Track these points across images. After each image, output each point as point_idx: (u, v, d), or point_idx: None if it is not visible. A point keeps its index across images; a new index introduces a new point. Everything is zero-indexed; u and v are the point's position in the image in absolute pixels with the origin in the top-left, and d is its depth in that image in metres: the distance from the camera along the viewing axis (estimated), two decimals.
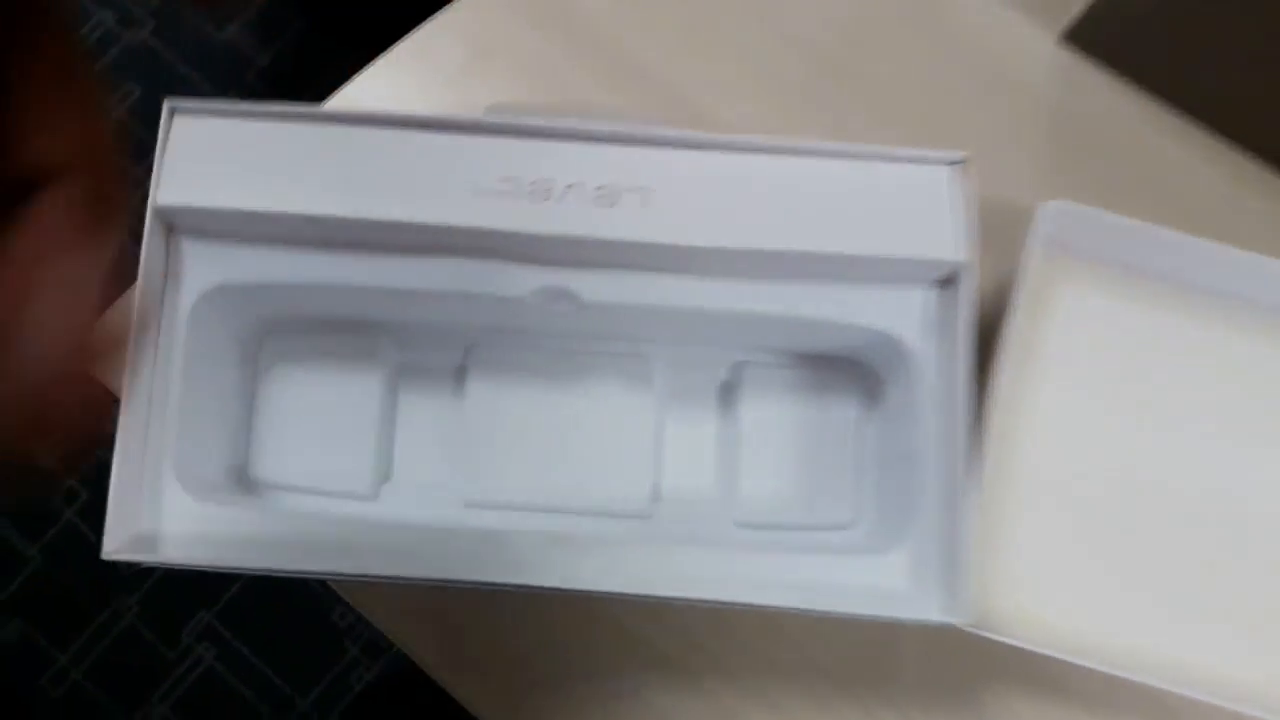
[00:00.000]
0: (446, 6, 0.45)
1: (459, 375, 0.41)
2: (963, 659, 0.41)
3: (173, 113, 0.35)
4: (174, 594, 1.01)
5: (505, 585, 0.34)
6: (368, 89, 0.45)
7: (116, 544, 0.33)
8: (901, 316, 0.37)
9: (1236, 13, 0.40)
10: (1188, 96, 0.45)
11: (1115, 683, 0.39)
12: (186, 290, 0.36)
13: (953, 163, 0.36)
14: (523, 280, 0.36)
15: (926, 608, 0.34)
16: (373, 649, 1.01)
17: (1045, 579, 0.40)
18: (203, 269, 0.36)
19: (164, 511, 0.35)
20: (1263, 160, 0.45)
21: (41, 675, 0.99)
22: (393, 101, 0.45)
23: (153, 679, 1.00)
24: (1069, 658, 0.36)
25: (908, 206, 0.36)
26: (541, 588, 0.34)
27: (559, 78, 0.45)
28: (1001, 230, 0.42)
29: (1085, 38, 0.46)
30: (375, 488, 0.40)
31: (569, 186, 0.35)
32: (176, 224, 0.35)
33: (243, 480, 0.39)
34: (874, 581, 0.36)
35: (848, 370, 0.41)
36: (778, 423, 0.41)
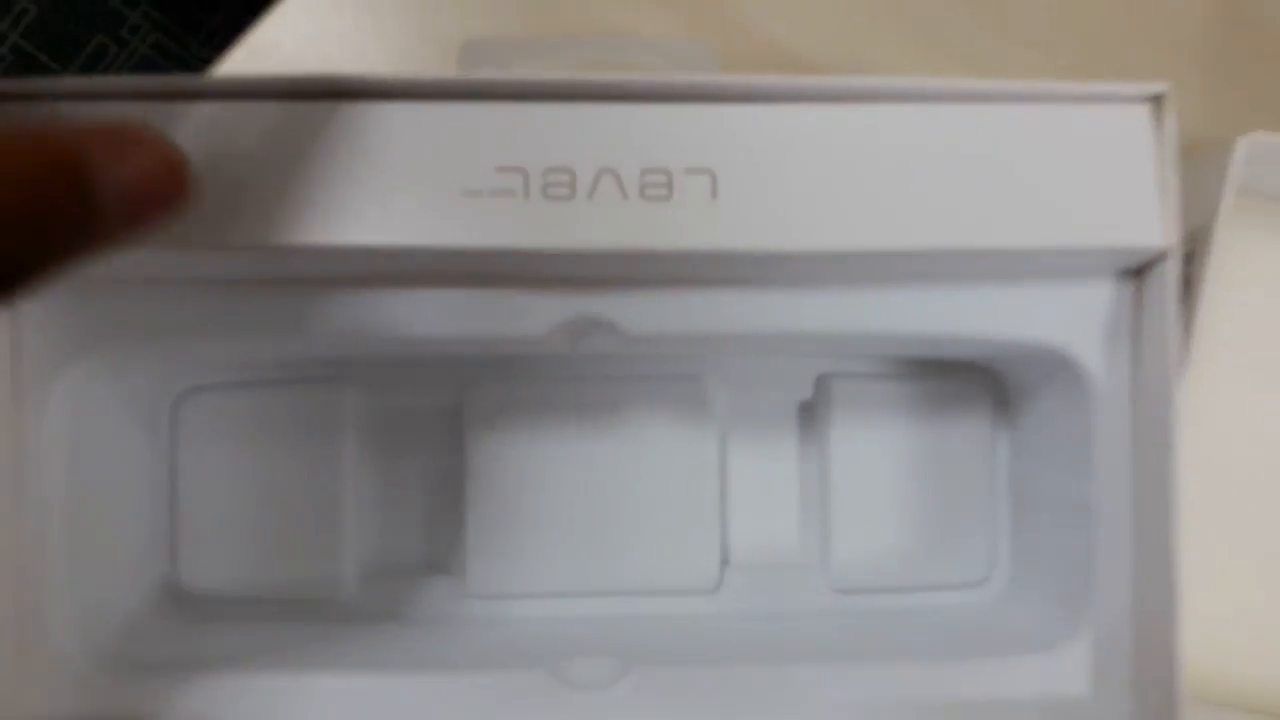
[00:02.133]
0: None
1: (453, 422, 0.30)
2: None
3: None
4: None
5: None
6: (294, 25, 0.33)
7: None
8: (1070, 323, 0.26)
9: None
10: None
11: None
12: (50, 364, 0.24)
13: (1144, 100, 0.25)
14: (541, 314, 0.25)
15: None
16: None
17: (1253, 642, 0.30)
18: (73, 328, 0.24)
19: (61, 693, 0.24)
20: None
21: None
22: (328, 41, 0.33)
23: None
24: None
25: (1075, 170, 0.25)
26: None
27: None
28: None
29: None
30: (357, 587, 0.30)
31: (601, 174, 0.24)
32: None
33: (173, 597, 0.29)
34: (1045, 684, 0.26)
35: (973, 378, 0.31)
36: (880, 452, 0.31)
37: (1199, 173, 0.30)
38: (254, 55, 0.32)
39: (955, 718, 0.26)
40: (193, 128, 0.23)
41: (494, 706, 0.25)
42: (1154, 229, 0.24)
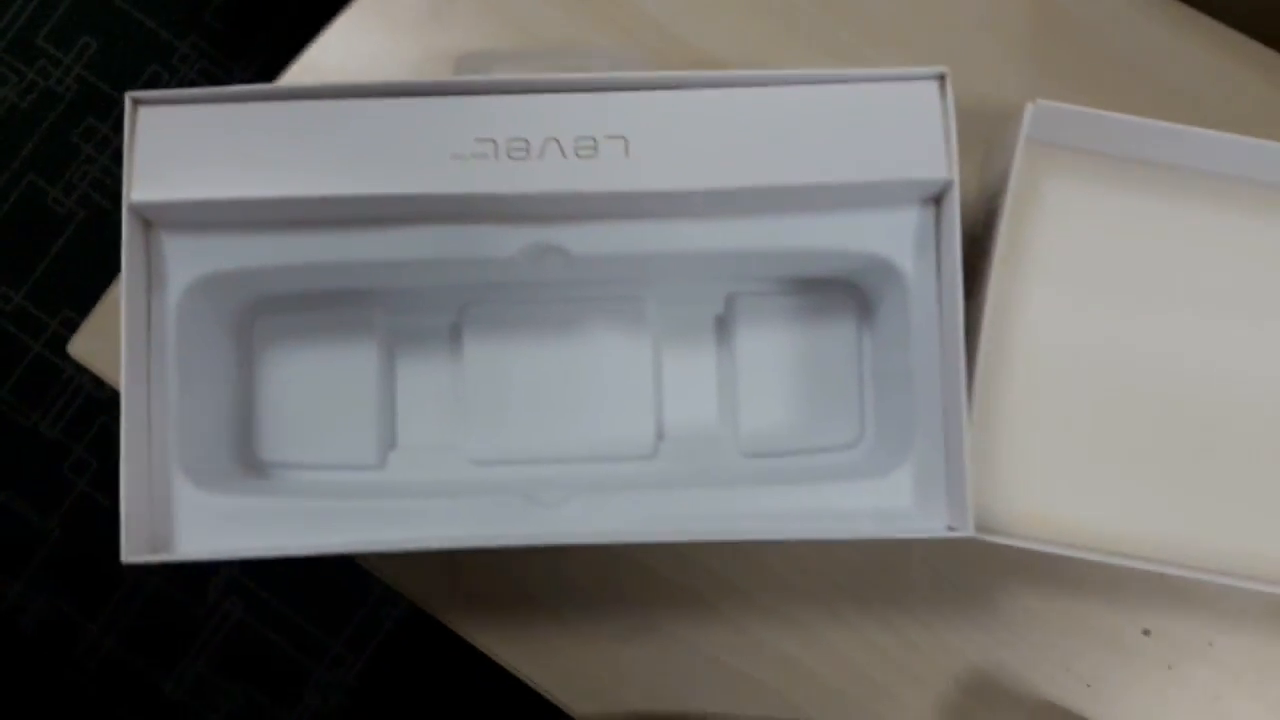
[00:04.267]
0: None
1: (454, 335, 0.41)
2: (974, 565, 0.42)
3: (136, 105, 0.34)
4: None
5: (521, 545, 0.35)
6: (331, 49, 0.44)
7: (135, 549, 0.34)
8: (892, 238, 0.37)
9: None
10: None
11: (1123, 571, 0.40)
12: (172, 285, 0.35)
13: (932, 78, 0.35)
14: (509, 240, 0.36)
15: (932, 524, 0.35)
16: None
17: (1047, 478, 0.40)
18: (185, 262, 0.35)
19: (176, 509, 0.35)
20: (1252, 36, 0.45)
21: (74, 648, 1.01)
22: (359, 59, 0.44)
23: (185, 639, 1.02)
24: (1071, 552, 0.37)
25: (888, 128, 0.35)
26: (554, 544, 0.35)
27: (527, 15, 0.44)
28: (988, 132, 0.41)
29: None
30: (382, 456, 0.40)
31: (547, 141, 0.34)
32: (154, 219, 0.35)
33: (250, 464, 0.40)
34: (880, 503, 0.37)
35: (842, 293, 0.41)
36: (776, 350, 0.41)
37: (1009, 131, 0.40)
38: (304, 71, 0.43)
39: (823, 527, 0.36)
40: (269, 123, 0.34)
41: (482, 517, 0.36)
42: (942, 165, 0.35)
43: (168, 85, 1.10)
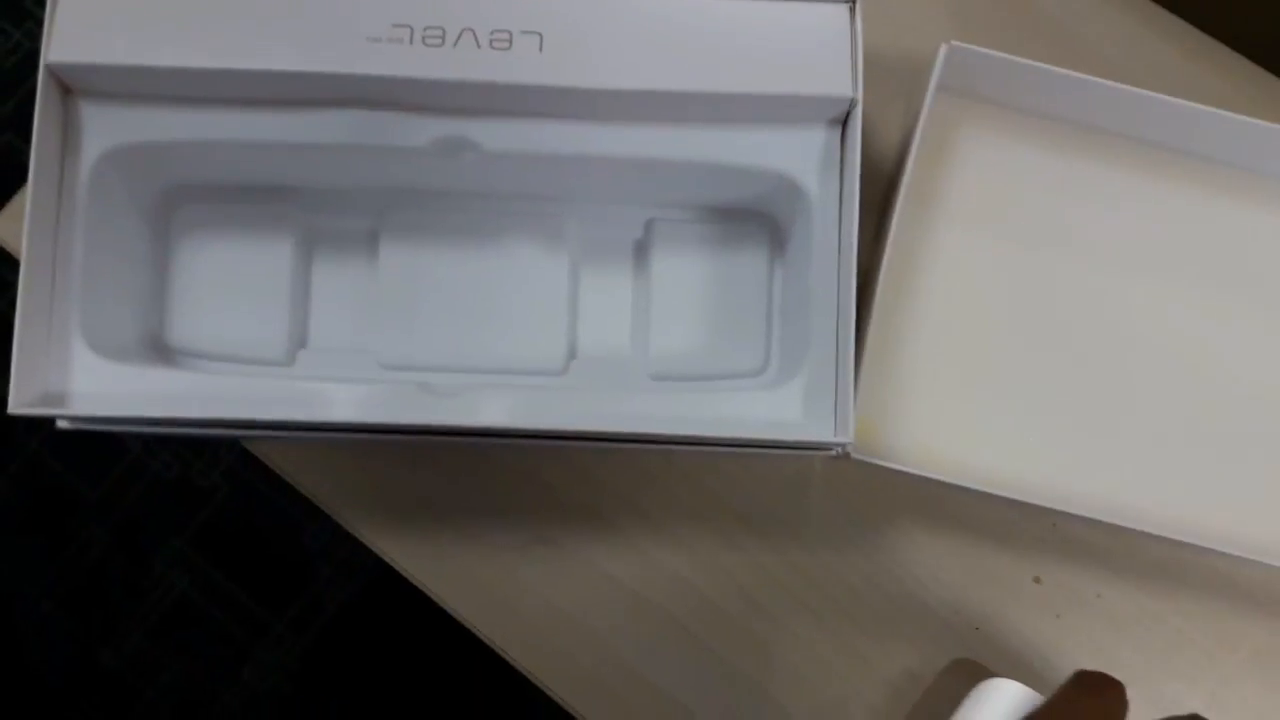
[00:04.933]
0: None
1: (371, 239, 0.42)
2: (868, 498, 0.42)
3: None
4: (145, 524, 1.02)
5: (422, 428, 0.35)
6: None
7: (24, 399, 0.34)
8: (801, 158, 0.37)
9: None
10: None
11: (1017, 519, 0.41)
12: (86, 153, 0.36)
13: (844, 2, 0.36)
14: (422, 129, 0.36)
15: (816, 431, 0.35)
16: (346, 570, 1.02)
17: (943, 415, 0.41)
18: (100, 131, 0.36)
19: (73, 371, 0.35)
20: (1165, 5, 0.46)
21: (10, 611, 1.01)
22: None
23: (127, 608, 1.01)
24: (951, 479, 0.37)
25: (802, 46, 0.36)
26: (458, 427, 0.35)
27: None
28: (911, 78, 0.42)
29: None
30: (291, 354, 0.41)
31: (463, 31, 0.35)
32: (71, 84, 0.36)
33: (157, 347, 0.40)
34: (772, 414, 0.37)
35: (756, 222, 0.42)
36: (690, 277, 0.42)
37: (926, 74, 0.41)
38: None
39: (711, 427, 0.36)
40: None
41: (381, 405, 0.36)
42: (847, 84, 0.36)
43: None
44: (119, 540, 1.02)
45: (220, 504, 1.01)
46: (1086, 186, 0.43)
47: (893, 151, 0.43)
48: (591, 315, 0.42)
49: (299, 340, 0.41)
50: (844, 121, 0.37)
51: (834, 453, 0.36)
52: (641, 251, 0.42)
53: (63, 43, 0.34)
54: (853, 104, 0.36)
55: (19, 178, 0.36)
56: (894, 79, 0.43)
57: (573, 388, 0.41)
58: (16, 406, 0.33)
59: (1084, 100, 0.41)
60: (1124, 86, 0.40)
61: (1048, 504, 0.37)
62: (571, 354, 0.42)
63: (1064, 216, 0.42)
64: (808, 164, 0.37)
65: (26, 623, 1.00)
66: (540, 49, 0.35)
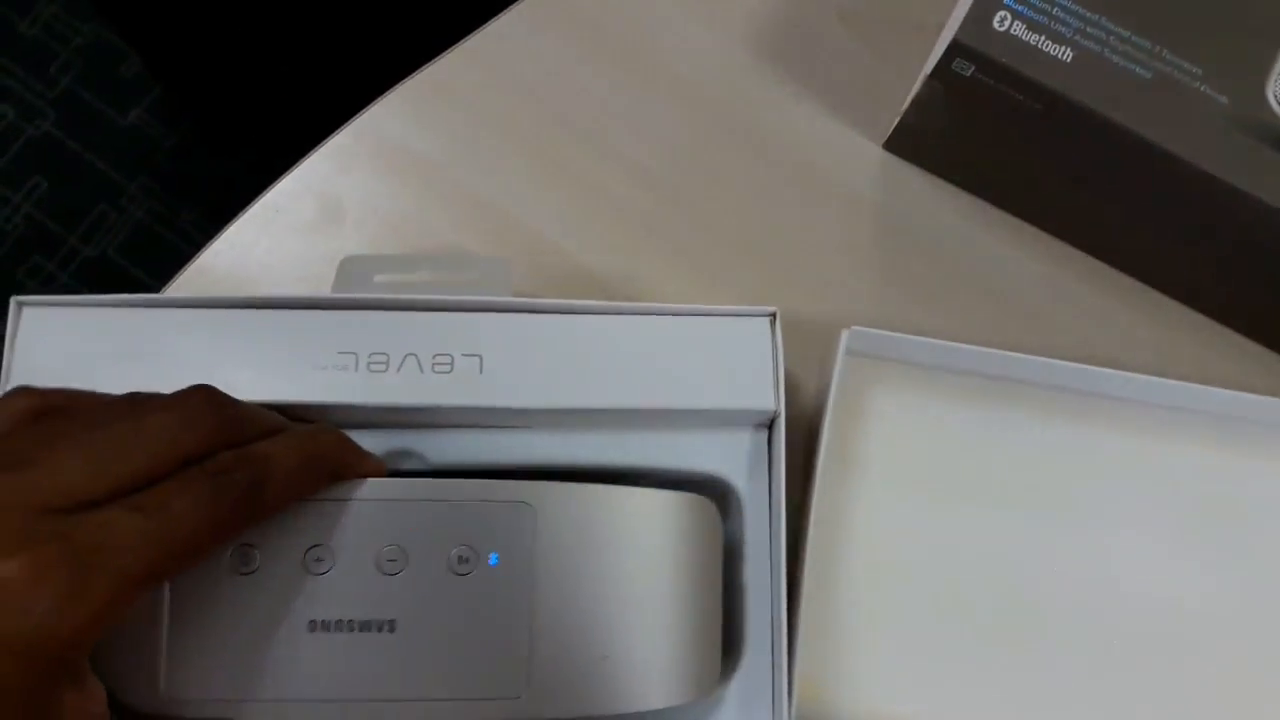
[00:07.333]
0: (300, 161, 0.47)
1: None
2: None
3: (20, 308, 0.36)
4: None
5: None
6: (234, 243, 0.47)
7: None
8: (728, 460, 0.40)
9: (991, 140, 0.44)
10: (996, 194, 0.49)
11: None
12: None
13: (764, 316, 0.39)
14: (371, 446, 0.38)
15: None
16: None
17: (884, 675, 0.42)
18: None
19: None
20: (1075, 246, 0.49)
21: None
22: (257, 256, 0.47)
23: None
24: None
25: (727, 360, 0.38)
26: None
27: (414, 224, 0.47)
28: (825, 337, 0.44)
29: (901, 148, 0.49)
30: None
31: (406, 356, 0.37)
32: None
33: None
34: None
35: None
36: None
37: (836, 349, 0.43)
38: (197, 274, 0.46)
39: None
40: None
41: None
42: (770, 398, 0.38)
43: (114, 225, 1.13)
44: None
45: None
46: (1001, 436, 0.44)
47: (812, 407, 0.45)
48: None
49: None
50: (769, 425, 0.39)
51: None
52: None
53: (22, 379, 0.36)
54: (775, 416, 0.38)
55: None
56: (812, 338, 0.44)
57: None
58: None
59: (990, 362, 0.43)
60: (1028, 357, 0.42)
61: None
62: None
63: (985, 467, 0.44)
64: (737, 465, 0.40)
65: None
66: (480, 370, 0.37)
